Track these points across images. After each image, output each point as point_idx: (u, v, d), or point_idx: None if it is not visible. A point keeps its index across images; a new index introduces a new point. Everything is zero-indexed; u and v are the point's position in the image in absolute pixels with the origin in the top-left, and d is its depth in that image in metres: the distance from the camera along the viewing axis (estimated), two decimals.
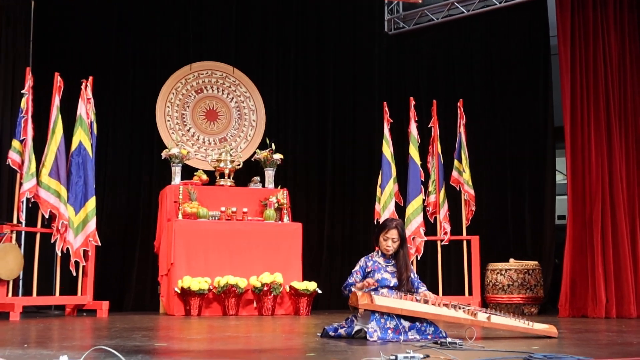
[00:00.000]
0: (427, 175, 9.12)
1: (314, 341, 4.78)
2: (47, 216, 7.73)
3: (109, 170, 9.66)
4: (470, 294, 8.69)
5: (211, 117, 10.07)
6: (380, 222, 5.40)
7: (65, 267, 7.97)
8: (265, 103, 10.29)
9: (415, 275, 5.16)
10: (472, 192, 8.91)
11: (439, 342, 4.39)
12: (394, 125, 9.25)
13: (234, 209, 8.84)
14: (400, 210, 9.00)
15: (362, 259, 5.11)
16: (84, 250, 7.97)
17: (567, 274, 8.10)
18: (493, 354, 3.88)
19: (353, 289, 4.96)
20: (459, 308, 4.91)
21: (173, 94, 9.89)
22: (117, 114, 9.82)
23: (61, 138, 7.85)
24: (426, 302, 4.83)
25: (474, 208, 8.94)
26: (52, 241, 7.78)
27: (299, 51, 10.74)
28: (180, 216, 8.63)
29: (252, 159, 9.59)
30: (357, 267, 5.08)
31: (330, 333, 4.96)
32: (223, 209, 8.82)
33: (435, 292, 8.67)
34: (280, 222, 9.00)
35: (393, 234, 4.99)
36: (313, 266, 10.01)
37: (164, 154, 9.15)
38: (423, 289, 5.03)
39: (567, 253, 8.14)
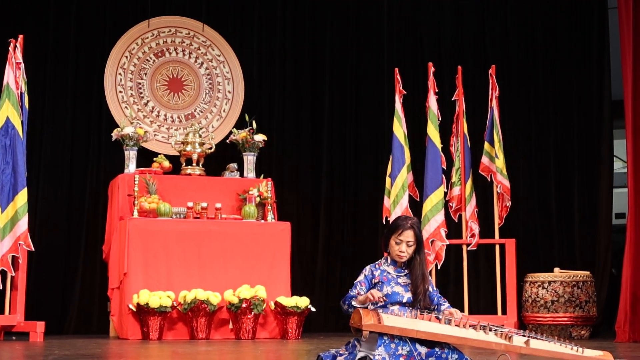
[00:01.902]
0: (450, 162, 9.12)
1: None
2: None
3: (45, 154, 9.63)
4: (504, 312, 8.71)
5: (175, 87, 10.05)
6: (391, 222, 5.39)
7: None
8: (244, 70, 10.27)
9: (435, 288, 5.16)
10: (506, 183, 8.92)
11: None
12: (407, 98, 9.24)
13: (204, 205, 8.83)
14: (416, 206, 9.01)
15: (367, 267, 5.10)
16: (13, 257, 7.95)
17: (627, 288, 8.11)
18: None
19: (354, 304, 4.95)
20: (490, 330, 4.91)
21: (126, 57, 9.87)
22: (56, 83, 9.78)
23: None
24: (448, 322, 4.82)
25: (509, 203, 8.95)
26: None
27: (288, 3, 10.71)
28: (135, 213, 8.62)
29: (228, 141, 9.58)
30: (361, 277, 5.07)
31: None
32: (190, 204, 8.81)
33: (460, 310, 8.66)
34: (263, 221, 9.00)
35: (408, 236, 4.98)
36: (305, 277, 10.03)
37: (114, 134, 9.13)
38: (446, 305, 5.02)
39: (628, 261, 8.14)
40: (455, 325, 4.84)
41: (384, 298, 4.91)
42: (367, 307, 4.86)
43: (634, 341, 7.92)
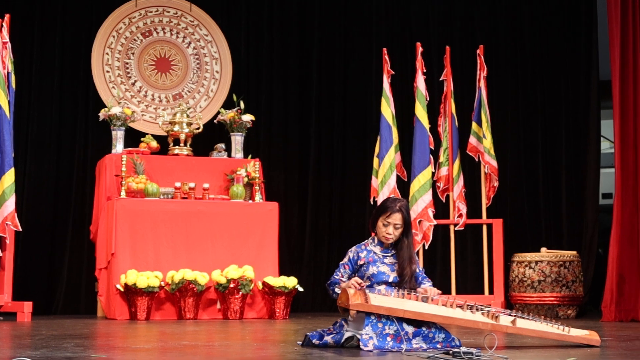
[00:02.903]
0: (438, 142, 9.13)
1: (293, 351, 4.81)
2: None
3: (32, 135, 9.60)
4: (492, 292, 8.75)
5: (163, 67, 10.02)
6: (380, 203, 5.41)
7: None
8: (232, 50, 10.24)
9: (421, 269, 5.19)
10: (494, 163, 8.94)
11: (450, 351, 4.43)
12: (396, 78, 9.24)
13: (191, 185, 8.83)
14: (404, 186, 9.02)
15: (353, 249, 5.13)
16: (1, 237, 7.95)
17: (614, 268, 8.15)
18: None
19: (337, 290, 4.99)
20: (477, 310, 4.94)
21: (114, 37, 9.83)
22: (43, 63, 9.74)
23: None
24: (425, 299, 4.86)
25: (496, 184, 8.97)
26: None
27: None
28: (123, 194, 8.62)
29: (215, 121, 9.57)
30: (345, 260, 5.11)
31: (314, 341, 4.99)
32: (178, 184, 8.81)
33: (447, 290, 8.73)
34: (250, 201, 9.01)
35: (396, 218, 5.01)
36: (292, 257, 10.04)
37: (102, 114, 9.11)
38: (427, 284, 5.06)
39: (614, 241, 8.19)
40: (443, 304, 4.88)
41: (364, 284, 4.94)
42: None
43: (620, 321, 7.97)
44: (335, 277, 5.07)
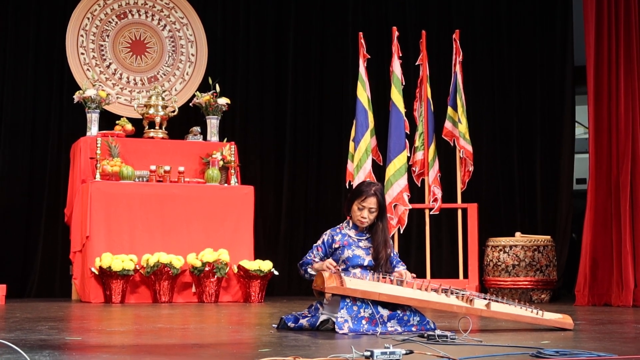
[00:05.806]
0: (414, 127, 9.15)
1: (268, 334, 4.81)
2: None
3: (6, 118, 9.55)
4: (466, 276, 8.79)
5: (138, 49, 9.97)
6: (355, 187, 5.42)
7: None
8: (207, 33, 10.21)
9: (395, 252, 5.21)
10: (469, 148, 8.97)
11: (425, 334, 4.44)
12: (372, 62, 9.24)
13: (167, 168, 8.81)
14: (379, 170, 9.04)
15: (328, 232, 5.14)
16: None
17: (587, 252, 8.21)
18: (493, 350, 3.94)
19: (310, 271, 5.01)
20: (452, 293, 4.96)
21: (88, 19, 9.77)
22: (17, 46, 9.68)
23: None
24: (401, 283, 4.88)
25: (471, 168, 9.00)
26: None
27: None
28: (97, 176, 8.58)
29: (191, 104, 9.55)
30: (319, 242, 5.12)
31: (289, 324, 5.00)
32: (153, 167, 8.79)
33: (422, 274, 8.76)
34: (226, 184, 9.00)
35: (371, 202, 5.02)
36: (268, 241, 10.06)
37: (76, 96, 9.07)
38: (401, 268, 5.08)
39: (588, 226, 8.24)
40: (417, 288, 4.90)
41: (338, 267, 4.96)
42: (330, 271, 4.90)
43: (593, 305, 8.04)
44: (308, 257, 5.08)
